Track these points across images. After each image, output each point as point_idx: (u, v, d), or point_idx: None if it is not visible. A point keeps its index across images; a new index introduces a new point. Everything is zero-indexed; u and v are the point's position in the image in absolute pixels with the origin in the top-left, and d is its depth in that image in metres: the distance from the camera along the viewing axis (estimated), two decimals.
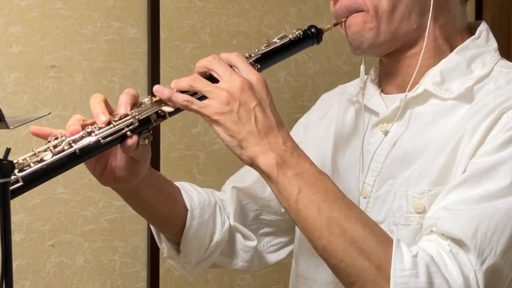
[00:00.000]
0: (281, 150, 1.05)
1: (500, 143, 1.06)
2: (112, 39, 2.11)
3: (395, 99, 1.21)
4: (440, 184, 1.11)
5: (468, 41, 1.20)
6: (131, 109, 1.09)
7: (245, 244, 1.36)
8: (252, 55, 1.14)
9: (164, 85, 1.10)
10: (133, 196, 1.23)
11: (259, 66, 1.13)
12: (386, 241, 1.02)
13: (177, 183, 1.31)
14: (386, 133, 1.21)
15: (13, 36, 2.01)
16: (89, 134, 1.06)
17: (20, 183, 1.00)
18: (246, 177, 1.37)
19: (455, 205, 1.04)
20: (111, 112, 1.10)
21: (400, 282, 0.99)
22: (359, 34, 1.19)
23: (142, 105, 1.10)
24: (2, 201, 0.86)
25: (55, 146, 1.04)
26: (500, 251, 1.02)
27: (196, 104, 1.07)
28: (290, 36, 1.18)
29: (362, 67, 1.29)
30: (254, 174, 1.31)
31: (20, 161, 1.01)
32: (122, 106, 1.08)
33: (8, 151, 0.89)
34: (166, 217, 1.27)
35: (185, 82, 1.09)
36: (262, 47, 1.16)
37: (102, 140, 1.06)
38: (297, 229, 1.35)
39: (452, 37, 1.21)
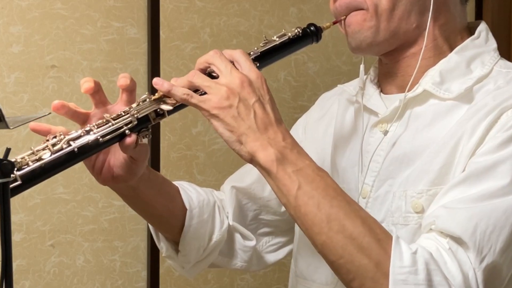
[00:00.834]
0: (281, 146, 1.05)
1: (500, 142, 1.06)
2: (112, 39, 2.11)
3: (395, 99, 1.21)
4: (439, 184, 1.10)
5: (468, 41, 1.20)
6: (130, 97, 1.09)
7: (244, 244, 1.36)
8: (252, 53, 1.14)
9: None
10: (132, 196, 1.23)
11: (258, 64, 1.13)
12: (385, 238, 1.01)
13: (176, 183, 1.31)
14: (385, 133, 1.20)
15: (13, 36, 2.01)
16: (88, 132, 1.06)
17: (19, 182, 0.99)
18: (245, 177, 1.37)
19: (454, 203, 1.04)
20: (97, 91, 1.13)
21: (399, 279, 0.98)
22: (358, 33, 1.18)
23: (141, 103, 1.09)
24: (2, 201, 0.86)
25: (53, 145, 1.04)
26: (499, 249, 1.02)
27: (196, 98, 1.07)
28: (289, 34, 1.18)
29: (361, 67, 1.29)
30: (254, 174, 1.31)
31: (19, 160, 1.01)
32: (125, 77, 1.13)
33: (8, 151, 0.90)
34: (165, 217, 1.27)
35: (184, 79, 1.08)
36: (260, 44, 1.16)
37: (100, 139, 1.06)
38: (296, 229, 1.35)
39: (452, 37, 1.21)
